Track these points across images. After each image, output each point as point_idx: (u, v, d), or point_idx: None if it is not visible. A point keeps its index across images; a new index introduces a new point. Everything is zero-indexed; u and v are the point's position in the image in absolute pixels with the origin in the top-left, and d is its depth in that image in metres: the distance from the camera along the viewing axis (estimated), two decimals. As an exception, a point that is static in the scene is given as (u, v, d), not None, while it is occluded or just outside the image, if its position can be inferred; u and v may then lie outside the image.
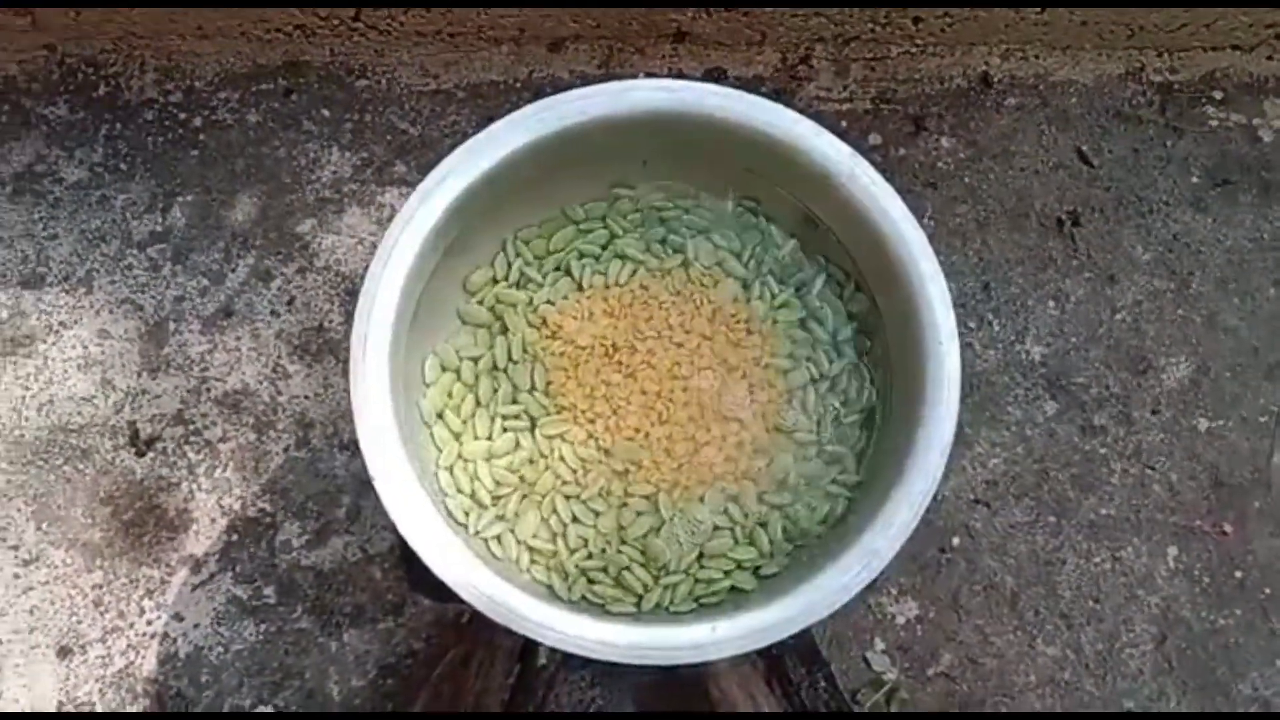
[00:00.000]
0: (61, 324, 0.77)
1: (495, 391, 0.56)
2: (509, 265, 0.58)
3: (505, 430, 0.56)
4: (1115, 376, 0.77)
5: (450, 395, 0.57)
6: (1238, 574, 0.74)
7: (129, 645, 0.72)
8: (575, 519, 0.54)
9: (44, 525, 0.73)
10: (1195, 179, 0.80)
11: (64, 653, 0.72)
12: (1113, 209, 0.79)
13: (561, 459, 0.55)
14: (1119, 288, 0.78)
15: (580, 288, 0.57)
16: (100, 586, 0.73)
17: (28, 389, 0.75)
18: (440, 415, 0.56)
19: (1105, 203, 0.79)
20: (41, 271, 0.78)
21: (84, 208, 0.79)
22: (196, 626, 0.72)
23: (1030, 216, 0.79)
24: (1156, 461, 0.76)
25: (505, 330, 0.57)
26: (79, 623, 0.72)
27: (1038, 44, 0.81)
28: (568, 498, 0.54)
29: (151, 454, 0.75)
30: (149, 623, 0.72)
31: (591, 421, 0.55)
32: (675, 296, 0.57)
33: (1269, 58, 0.82)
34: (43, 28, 0.80)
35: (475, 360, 0.57)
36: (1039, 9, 0.77)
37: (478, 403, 0.56)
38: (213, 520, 0.74)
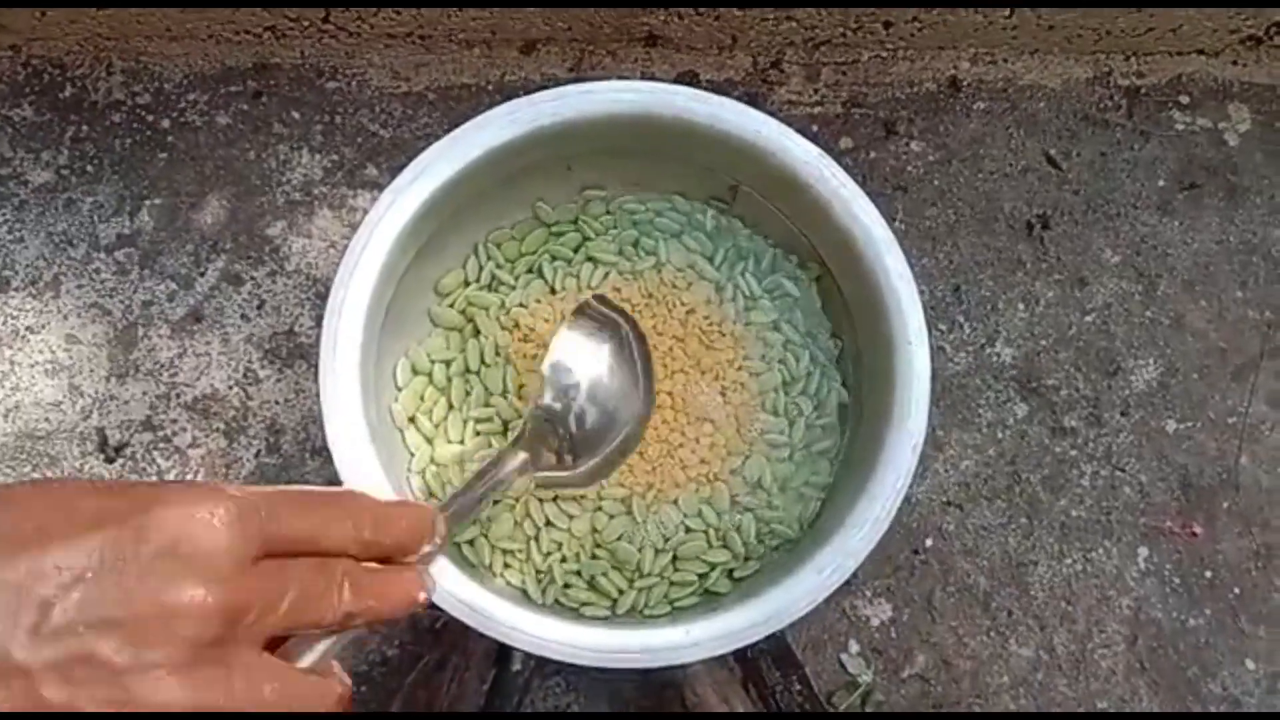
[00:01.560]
0: (28, 329, 0.76)
1: (468, 395, 0.56)
2: (480, 268, 0.58)
3: (478, 434, 0.56)
4: (1085, 378, 0.77)
5: (422, 399, 0.56)
6: (1208, 574, 0.75)
7: (96, 654, 0.71)
8: (549, 522, 0.54)
9: (9, 533, 0.72)
10: (1162, 182, 0.81)
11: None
12: (1081, 212, 0.80)
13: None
14: (1088, 290, 0.79)
15: (553, 290, 0.57)
16: (67, 595, 0.72)
17: (-8, 395, 0.75)
18: (412, 419, 0.56)
19: (1074, 206, 0.80)
20: (7, 275, 0.77)
21: (50, 211, 0.78)
22: (165, 634, 0.71)
23: (1000, 219, 0.80)
24: (1126, 463, 0.76)
25: (477, 333, 0.57)
26: (45, 632, 0.71)
27: (1006, 48, 0.82)
28: (541, 501, 0.54)
29: (120, 460, 0.74)
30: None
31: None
32: (647, 299, 0.57)
33: (1234, 63, 0.83)
34: (7, 29, 0.79)
35: (447, 364, 0.57)
36: (1008, 13, 0.77)
37: (450, 406, 0.56)
38: (182, 527, 0.73)
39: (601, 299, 0.54)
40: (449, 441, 0.55)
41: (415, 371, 0.57)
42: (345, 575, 0.34)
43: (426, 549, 0.39)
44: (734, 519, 0.54)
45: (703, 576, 0.54)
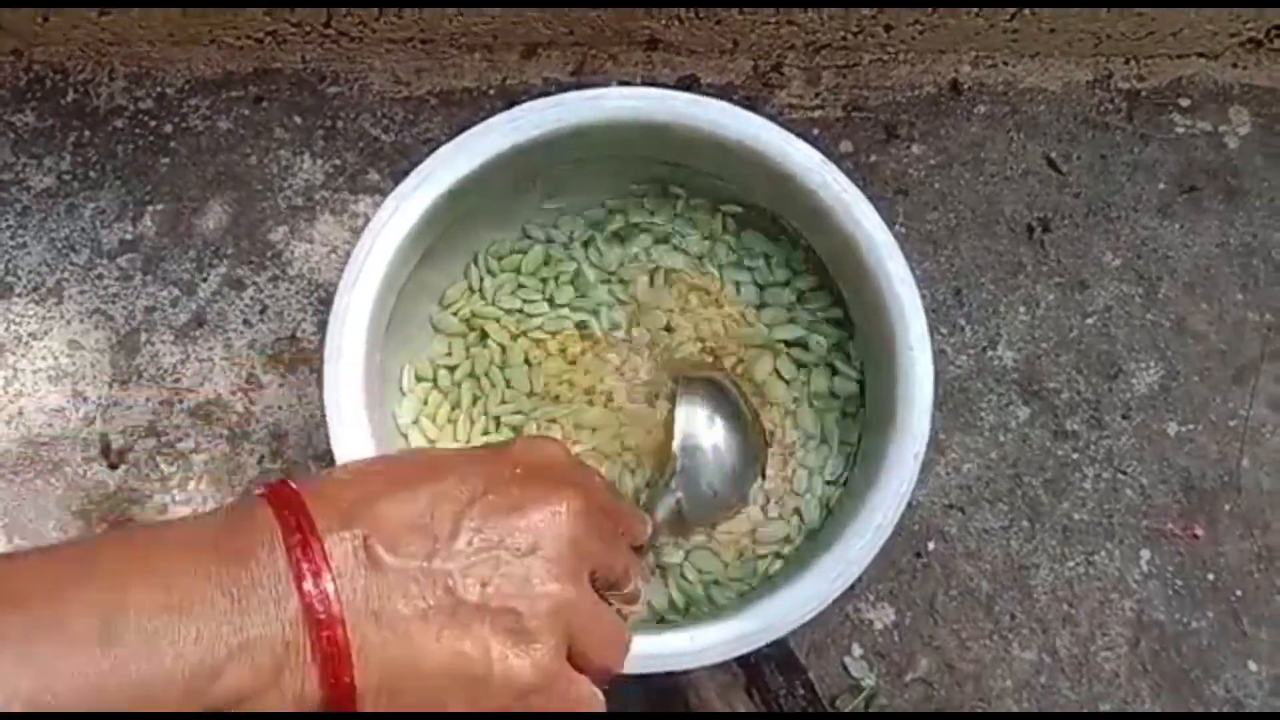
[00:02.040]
0: (31, 335, 0.76)
1: (475, 401, 0.56)
2: (481, 281, 0.58)
3: (484, 436, 0.56)
4: (1086, 381, 0.77)
5: (426, 403, 0.57)
6: (1209, 576, 0.75)
7: (100, 659, 0.71)
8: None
9: (15, 539, 0.72)
10: (1162, 185, 0.81)
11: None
12: (1082, 215, 0.80)
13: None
14: (1089, 293, 0.79)
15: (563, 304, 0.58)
16: (70, 600, 0.72)
17: (-4, 401, 0.75)
18: (415, 422, 0.56)
19: (1074, 209, 0.80)
20: (10, 281, 0.77)
21: (52, 216, 0.78)
22: (169, 639, 0.71)
23: (1000, 223, 0.80)
24: (1128, 466, 0.76)
25: (484, 338, 0.57)
26: (48, 637, 0.71)
27: (1007, 51, 0.82)
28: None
29: (124, 466, 0.74)
30: (120, 636, 0.71)
31: (577, 428, 0.55)
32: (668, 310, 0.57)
33: (1235, 65, 0.83)
34: (9, 34, 0.79)
35: (452, 369, 0.57)
36: (1008, 17, 0.77)
37: (455, 406, 0.56)
38: (185, 532, 0.73)
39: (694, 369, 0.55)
40: (455, 441, 0.56)
41: (419, 378, 0.57)
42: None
43: (639, 544, 0.44)
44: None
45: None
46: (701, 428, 0.52)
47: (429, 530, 0.33)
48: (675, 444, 0.52)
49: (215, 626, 0.29)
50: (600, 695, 0.37)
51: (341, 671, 0.31)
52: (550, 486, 0.36)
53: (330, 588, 0.31)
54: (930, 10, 0.77)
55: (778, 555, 0.55)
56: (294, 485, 0.34)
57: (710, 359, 0.56)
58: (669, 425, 0.53)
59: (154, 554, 0.31)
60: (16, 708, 0.27)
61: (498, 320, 0.56)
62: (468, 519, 0.34)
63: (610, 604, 0.39)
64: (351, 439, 0.48)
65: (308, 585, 0.31)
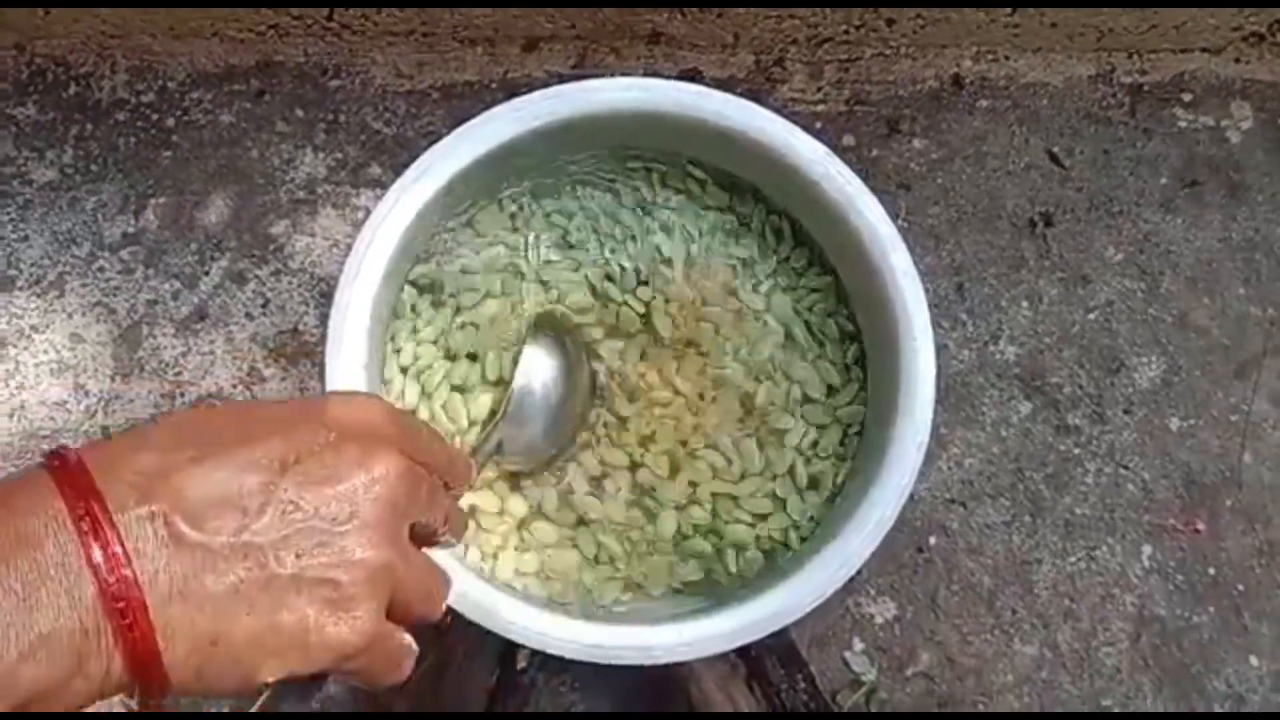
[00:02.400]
0: (33, 328, 0.76)
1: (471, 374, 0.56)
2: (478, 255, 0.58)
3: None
4: (1088, 376, 0.77)
5: (422, 388, 0.56)
6: (1211, 571, 0.75)
7: (101, 652, 0.71)
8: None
9: (14, 531, 0.72)
10: (1165, 180, 0.81)
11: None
12: (1084, 210, 0.80)
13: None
14: (1091, 288, 0.79)
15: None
16: (72, 593, 0.72)
17: (-3, 394, 0.75)
18: (415, 410, 0.56)
19: (1077, 203, 0.80)
20: (12, 275, 0.77)
21: (54, 210, 0.78)
22: (170, 632, 0.71)
23: (1003, 217, 0.80)
24: (1130, 461, 0.76)
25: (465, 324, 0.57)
26: (50, 630, 0.71)
27: (1008, 46, 0.82)
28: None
29: (124, 459, 0.74)
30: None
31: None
32: (665, 301, 0.57)
33: (1237, 60, 0.83)
34: (11, 27, 0.79)
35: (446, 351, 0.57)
36: (1010, 11, 0.77)
37: (452, 389, 0.56)
38: (186, 525, 0.73)
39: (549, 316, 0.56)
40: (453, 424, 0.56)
41: (415, 358, 0.57)
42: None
43: (461, 490, 0.43)
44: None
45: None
46: (539, 375, 0.53)
47: (236, 503, 0.31)
48: (514, 384, 0.52)
49: (2, 628, 0.28)
50: (414, 645, 0.37)
51: (148, 654, 0.30)
52: (365, 451, 0.34)
53: (128, 572, 0.29)
54: (932, 5, 0.77)
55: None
56: (80, 455, 0.31)
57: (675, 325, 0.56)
58: (512, 366, 0.54)
59: None
60: None
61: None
62: (279, 490, 0.32)
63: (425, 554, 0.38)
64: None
65: (102, 572, 0.29)
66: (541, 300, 0.56)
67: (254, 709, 0.34)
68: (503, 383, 0.55)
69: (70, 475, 0.30)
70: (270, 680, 0.32)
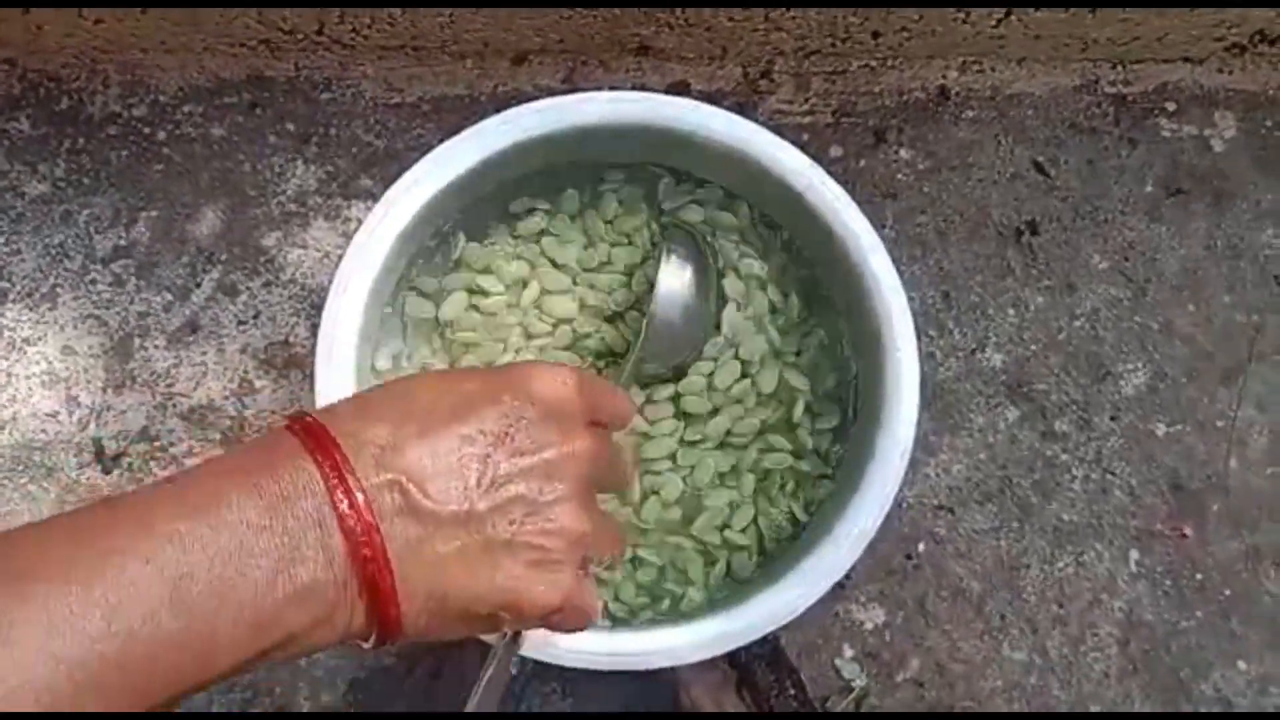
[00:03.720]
0: (25, 340, 0.76)
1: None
2: (475, 279, 0.58)
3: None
4: (1075, 383, 0.78)
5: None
6: (1198, 576, 0.75)
7: (94, 663, 0.71)
8: None
9: (6, 543, 0.73)
10: (1150, 189, 0.82)
11: (27, 672, 0.71)
12: (1070, 218, 0.81)
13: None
14: (1077, 295, 0.79)
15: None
16: (64, 604, 0.72)
17: (-10, 406, 0.75)
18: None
19: (1062, 212, 0.81)
20: (4, 287, 0.77)
21: (47, 223, 0.78)
22: (162, 643, 0.71)
23: (989, 226, 0.80)
24: (1116, 466, 0.77)
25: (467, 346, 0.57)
26: (42, 641, 0.71)
27: (994, 57, 0.83)
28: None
29: (117, 470, 0.74)
30: (114, 640, 0.72)
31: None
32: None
33: (1220, 70, 0.84)
34: (3, 43, 0.80)
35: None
36: (995, 23, 0.78)
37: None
38: (178, 536, 0.73)
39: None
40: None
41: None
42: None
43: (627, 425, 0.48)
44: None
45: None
46: (676, 280, 0.54)
47: (459, 474, 0.35)
48: (656, 291, 0.53)
49: (270, 575, 0.31)
50: (600, 599, 0.43)
51: (389, 606, 0.33)
52: (564, 430, 0.38)
53: (376, 535, 0.33)
54: (918, 16, 0.77)
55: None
56: (326, 427, 0.35)
57: None
58: (644, 276, 0.55)
59: (207, 508, 0.32)
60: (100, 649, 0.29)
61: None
62: (494, 463, 0.36)
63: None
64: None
65: (354, 533, 0.33)
66: (540, 333, 0.57)
67: (492, 655, 0.40)
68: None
69: (320, 443, 0.34)
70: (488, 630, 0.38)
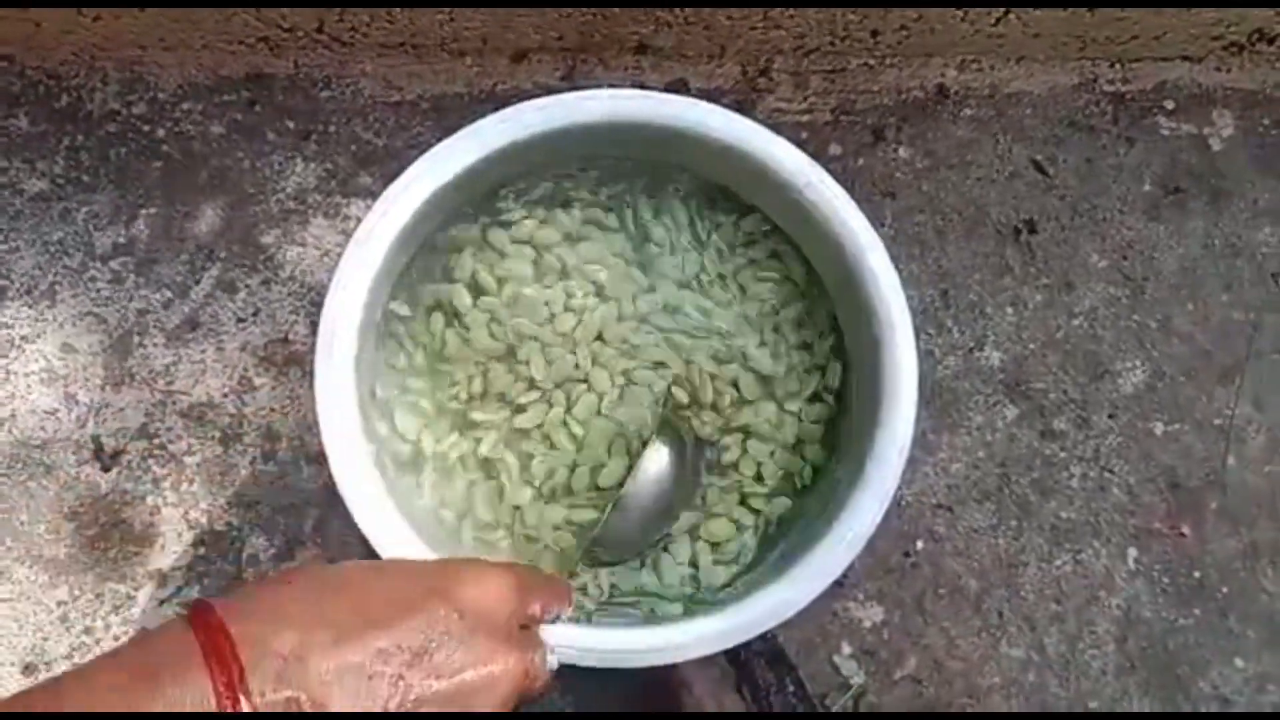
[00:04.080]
0: (24, 338, 0.76)
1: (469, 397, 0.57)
2: (473, 276, 0.58)
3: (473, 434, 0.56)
4: (1073, 381, 0.78)
5: (418, 400, 0.57)
6: (1196, 574, 0.76)
7: (93, 661, 0.71)
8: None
9: (7, 541, 0.73)
10: (1148, 187, 0.82)
11: (29, 670, 0.71)
12: (1068, 217, 0.81)
13: (530, 461, 0.55)
14: (1075, 294, 0.79)
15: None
16: (65, 602, 0.72)
17: (-11, 404, 0.75)
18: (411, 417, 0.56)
19: (1061, 211, 0.81)
20: (3, 285, 0.77)
21: (46, 220, 0.78)
22: (161, 641, 0.71)
23: (987, 225, 0.80)
24: (1115, 465, 0.77)
25: (466, 331, 0.57)
26: (44, 639, 0.72)
27: (992, 55, 0.83)
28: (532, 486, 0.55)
29: (116, 468, 0.74)
30: (115, 638, 0.72)
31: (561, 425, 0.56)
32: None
33: (1218, 69, 0.84)
34: (2, 40, 0.80)
35: (442, 362, 0.57)
36: (994, 21, 0.78)
37: (450, 398, 0.57)
38: (179, 534, 0.73)
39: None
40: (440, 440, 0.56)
41: (410, 374, 0.57)
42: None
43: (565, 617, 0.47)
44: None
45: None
46: (652, 475, 0.53)
47: (366, 695, 0.34)
48: (628, 486, 0.52)
49: None
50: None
51: None
52: (490, 645, 0.37)
53: None
54: (916, 15, 0.77)
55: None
56: (229, 630, 0.33)
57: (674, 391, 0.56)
58: (629, 461, 0.54)
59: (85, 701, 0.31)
60: None
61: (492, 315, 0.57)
62: (405, 685, 0.34)
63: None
64: (344, 440, 0.49)
65: None
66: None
67: None
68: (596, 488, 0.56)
69: (219, 652, 0.32)
70: None
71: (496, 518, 0.55)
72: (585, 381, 0.56)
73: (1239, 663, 0.74)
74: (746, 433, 0.56)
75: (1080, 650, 0.74)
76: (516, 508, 0.55)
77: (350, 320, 0.50)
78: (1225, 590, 0.75)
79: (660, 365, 0.56)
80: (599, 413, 0.55)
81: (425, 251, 0.56)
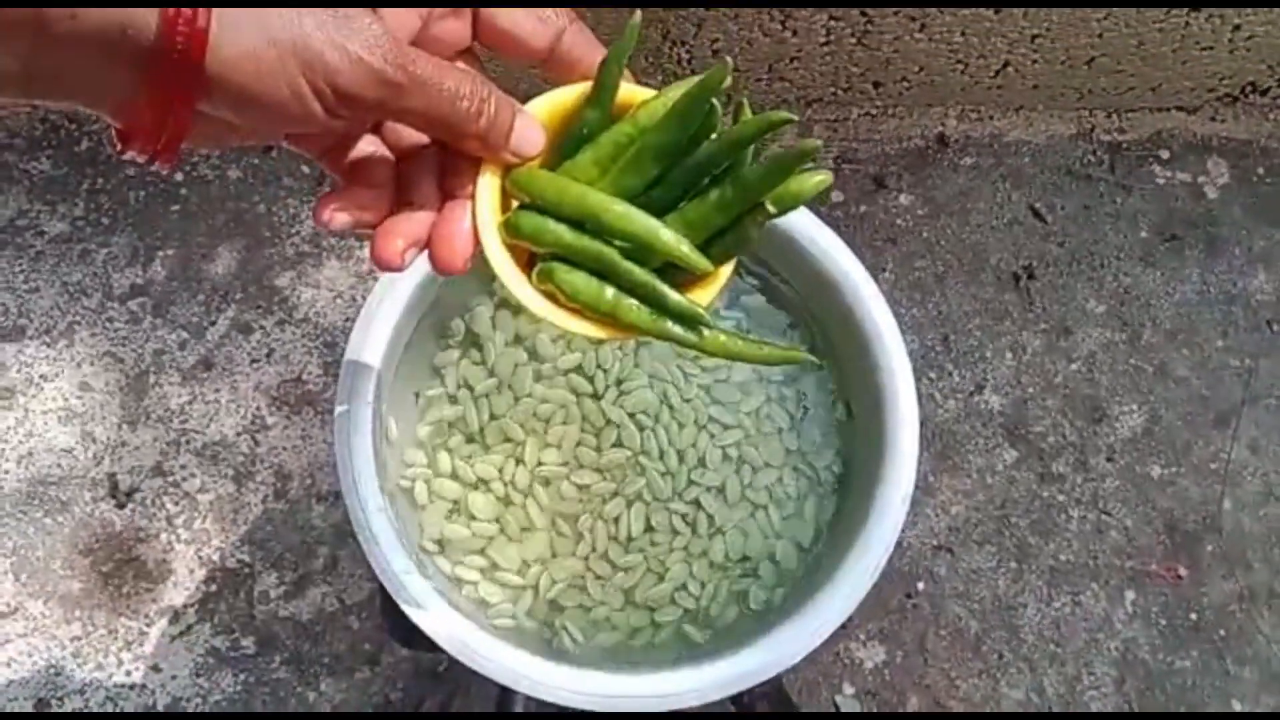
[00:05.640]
0: (42, 376, 0.78)
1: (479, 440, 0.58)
2: (492, 318, 0.59)
3: (485, 483, 0.57)
4: (1071, 425, 0.79)
5: (438, 437, 0.58)
6: (1193, 616, 0.76)
7: (107, 697, 0.72)
8: (554, 554, 0.56)
9: (22, 577, 0.74)
10: (1144, 234, 0.83)
11: (42, 704, 0.72)
12: (1066, 263, 0.82)
13: (537, 505, 0.56)
14: (1073, 339, 0.81)
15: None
16: (79, 638, 0.73)
17: (7, 441, 0.76)
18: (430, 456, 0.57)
19: (1058, 257, 0.82)
20: (22, 324, 0.79)
21: (65, 261, 0.80)
22: (175, 678, 0.72)
23: (987, 271, 0.82)
24: (1112, 508, 0.78)
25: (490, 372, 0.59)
26: (57, 675, 0.73)
27: (992, 105, 0.84)
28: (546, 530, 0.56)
29: (131, 505, 0.76)
30: (127, 674, 0.73)
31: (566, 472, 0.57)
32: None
33: (1212, 119, 0.86)
34: (27, 87, 0.82)
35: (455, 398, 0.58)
36: (993, 73, 0.80)
37: (467, 441, 0.58)
38: (191, 571, 0.74)
39: None
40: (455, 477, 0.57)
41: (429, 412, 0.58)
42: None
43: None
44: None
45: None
46: None
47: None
48: None
49: None
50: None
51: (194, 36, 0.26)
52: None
53: None
54: (918, 67, 0.79)
55: None
56: None
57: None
58: None
59: None
60: None
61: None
62: None
63: None
64: (363, 480, 0.50)
65: None
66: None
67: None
68: None
69: None
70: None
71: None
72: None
73: (1236, 705, 0.75)
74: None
75: (1079, 691, 0.75)
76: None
77: (371, 362, 0.52)
78: (1222, 632, 0.76)
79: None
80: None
81: (444, 295, 0.57)
